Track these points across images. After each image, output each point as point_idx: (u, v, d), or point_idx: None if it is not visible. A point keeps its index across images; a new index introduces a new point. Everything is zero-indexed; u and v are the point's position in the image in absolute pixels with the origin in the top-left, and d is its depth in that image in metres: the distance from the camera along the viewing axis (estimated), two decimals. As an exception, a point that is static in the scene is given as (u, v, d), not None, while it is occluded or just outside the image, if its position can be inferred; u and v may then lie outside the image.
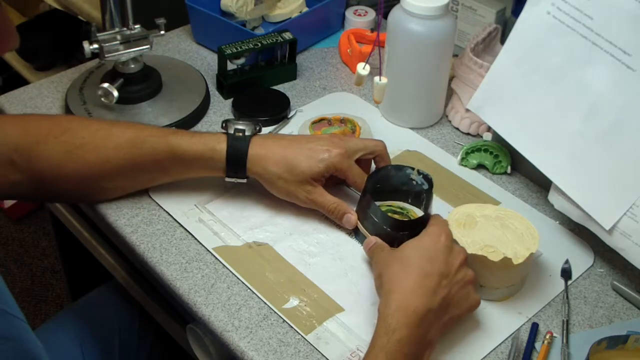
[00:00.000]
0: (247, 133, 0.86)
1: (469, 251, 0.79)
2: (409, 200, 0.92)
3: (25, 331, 0.65)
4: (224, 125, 0.88)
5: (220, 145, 0.85)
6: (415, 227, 0.83)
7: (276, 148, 0.86)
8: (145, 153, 0.86)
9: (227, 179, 0.88)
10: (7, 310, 0.62)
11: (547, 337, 0.79)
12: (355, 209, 0.89)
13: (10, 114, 0.89)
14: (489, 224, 0.83)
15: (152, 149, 0.86)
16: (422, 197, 0.90)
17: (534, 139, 0.90)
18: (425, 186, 0.88)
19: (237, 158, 0.85)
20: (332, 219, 0.89)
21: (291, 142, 0.87)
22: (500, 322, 0.81)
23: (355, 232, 0.89)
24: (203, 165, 0.87)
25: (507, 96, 0.92)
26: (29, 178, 0.85)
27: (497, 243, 0.80)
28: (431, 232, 0.78)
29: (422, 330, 0.71)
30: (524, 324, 0.81)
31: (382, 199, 0.91)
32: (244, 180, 0.88)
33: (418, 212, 0.90)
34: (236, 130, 0.87)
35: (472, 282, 0.77)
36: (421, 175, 0.88)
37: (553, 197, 0.90)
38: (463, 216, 0.84)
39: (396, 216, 0.89)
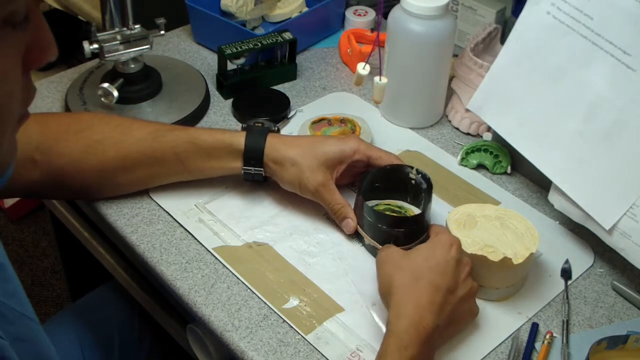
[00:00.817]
0: (265, 126, 0.90)
1: (469, 251, 0.79)
2: (408, 200, 0.92)
3: (40, 333, 0.66)
4: (244, 126, 0.91)
5: (240, 135, 0.88)
6: (411, 225, 0.83)
7: (294, 138, 0.89)
8: (166, 145, 0.87)
9: (244, 170, 0.88)
10: (25, 314, 0.64)
11: (547, 337, 0.79)
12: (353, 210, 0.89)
13: (32, 113, 0.89)
14: (489, 224, 0.83)
15: (173, 140, 0.87)
16: (420, 196, 0.90)
17: (534, 139, 0.90)
18: (424, 185, 0.88)
19: (255, 145, 0.86)
20: (333, 219, 0.89)
21: (308, 136, 0.91)
22: (500, 322, 0.81)
23: (357, 233, 0.89)
24: (222, 154, 0.87)
25: (507, 96, 0.92)
26: (49, 176, 0.85)
27: (497, 243, 0.80)
28: (443, 241, 0.77)
29: (429, 346, 0.71)
30: (524, 324, 0.81)
31: (380, 198, 0.91)
32: (261, 171, 0.88)
33: (416, 212, 0.90)
34: (255, 122, 0.90)
35: (475, 293, 0.77)
36: (420, 175, 0.88)
37: (553, 197, 0.90)
38: (463, 216, 0.84)
39: (394, 215, 0.89)
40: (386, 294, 0.75)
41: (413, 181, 0.89)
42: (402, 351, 0.69)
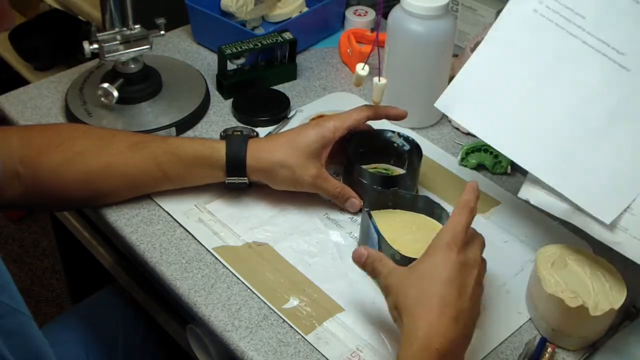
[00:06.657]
0: (244, 133, 0.89)
1: (549, 291, 0.76)
2: (392, 162, 0.96)
3: (33, 329, 0.66)
4: (222, 134, 0.90)
5: (220, 145, 0.87)
6: (405, 182, 0.89)
7: (272, 139, 0.89)
8: (147, 156, 0.87)
9: (228, 180, 0.88)
10: (17, 308, 0.63)
11: (549, 350, 0.77)
12: (342, 179, 0.92)
13: (17, 126, 0.90)
14: (578, 269, 0.79)
15: (153, 152, 0.87)
16: (403, 157, 0.94)
17: (518, 136, 0.84)
18: (407, 147, 0.93)
19: (236, 155, 0.86)
20: (336, 203, 0.91)
21: (285, 132, 0.90)
22: (500, 322, 0.81)
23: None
24: (203, 164, 0.87)
25: (484, 94, 0.86)
26: (33, 188, 0.85)
27: (580, 289, 0.77)
28: (443, 247, 0.70)
29: None
30: (524, 324, 0.81)
31: (366, 162, 0.95)
32: (245, 180, 0.88)
33: (402, 172, 0.95)
34: (234, 131, 0.90)
35: (482, 292, 0.73)
36: (401, 138, 0.93)
37: (528, 192, 0.84)
38: (554, 255, 0.80)
39: (385, 174, 0.94)
40: (397, 319, 0.70)
41: (395, 144, 0.94)
42: None
